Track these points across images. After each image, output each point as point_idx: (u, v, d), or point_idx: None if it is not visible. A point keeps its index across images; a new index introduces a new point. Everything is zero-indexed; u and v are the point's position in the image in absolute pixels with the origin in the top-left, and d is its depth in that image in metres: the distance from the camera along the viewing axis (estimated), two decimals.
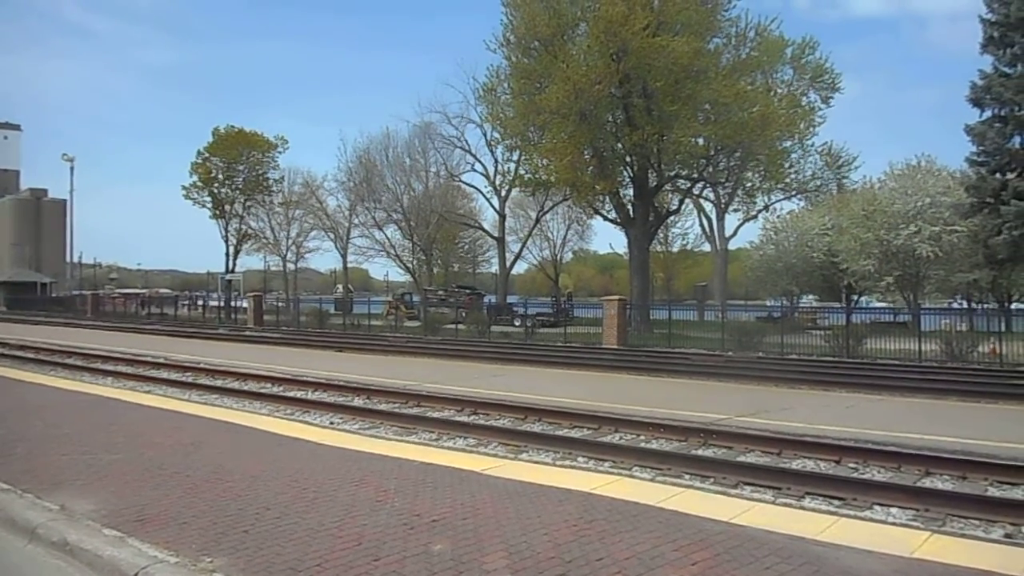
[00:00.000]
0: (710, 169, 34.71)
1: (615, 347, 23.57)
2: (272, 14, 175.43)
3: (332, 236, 56.56)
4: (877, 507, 6.25)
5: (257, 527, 4.54)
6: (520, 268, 63.90)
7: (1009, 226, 27.54)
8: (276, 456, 6.76)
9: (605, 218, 37.52)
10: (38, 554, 4.49)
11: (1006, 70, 29.07)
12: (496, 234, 51.73)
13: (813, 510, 5.58)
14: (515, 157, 41.87)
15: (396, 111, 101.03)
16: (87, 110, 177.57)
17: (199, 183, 50.04)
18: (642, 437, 9.19)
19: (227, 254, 52.01)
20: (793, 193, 41.40)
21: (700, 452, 8.41)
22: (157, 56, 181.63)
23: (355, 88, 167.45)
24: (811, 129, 36.80)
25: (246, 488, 5.47)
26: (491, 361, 18.95)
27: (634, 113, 31.10)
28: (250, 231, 53.60)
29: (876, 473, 7.47)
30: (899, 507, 6.20)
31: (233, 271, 52.95)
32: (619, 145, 32.64)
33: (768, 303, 46.28)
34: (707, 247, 53.03)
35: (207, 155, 50.15)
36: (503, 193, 48.72)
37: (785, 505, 5.61)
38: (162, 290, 73.59)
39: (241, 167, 50.65)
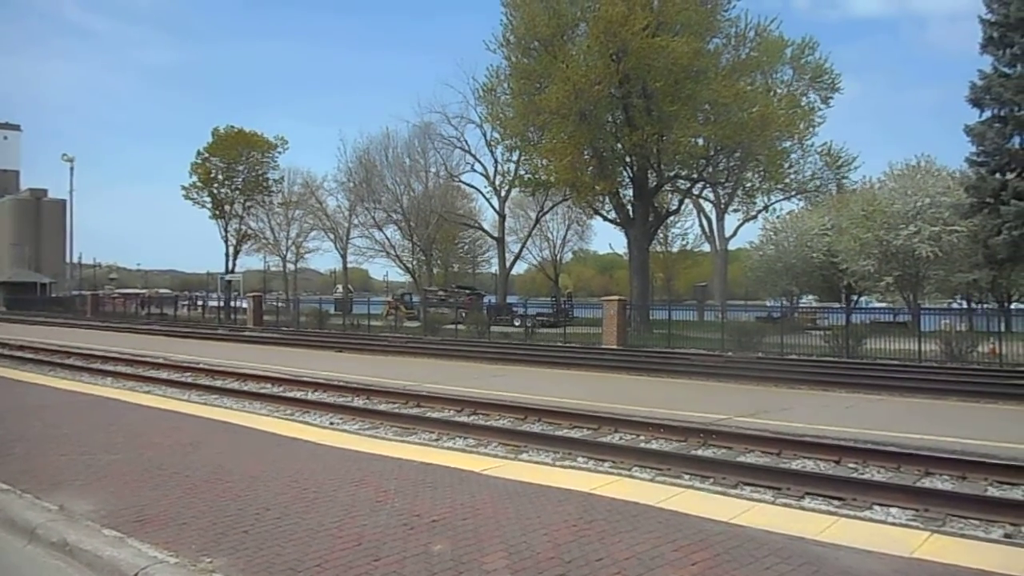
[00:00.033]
0: (710, 169, 34.72)
1: (615, 347, 23.57)
2: (272, 14, 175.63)
3: (332, 236, 56.63)
4: (877, 507, 6.25)
5: (257, 527, 4.54)
6: (520, 268, 64.00)
7: (1009, 226, 27.55)
8: (276, 456, 6.76)
9: (605, 218, 37.56)
10: (37, 554, 4.48)
11: (1006, 70, 29.09)
12: (496, 234, 51.74)
13: (813, 510, 5.58)
14: (515, 157, 41.92)
15: (396, 111, 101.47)
16: (87, 110, 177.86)
17: (199, 183, 50.03)
18: (642, 437, 9.19)
19: (227, 254, 52.06)
20: (793, 193, 41.41)
21: (700, 452, 8.41)
22: (157, 56, 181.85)
23: (355, 88, 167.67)
24: (811, 129, 36.85)
25: (246, 488, 5.47)
26: (491, 361, 18.95)
27: (634, 113, 31.10)
28: (250, 231, 53.62)
29: (876, 473, 7.47)
30: (899, 507, 6.20)
31: (233, 271, 52.95)
32: (619, 145, 32.63)
33: (768, 303, 46.33)
34: (707, 247, 53.09)
35: (207, 155, 50.14)
36: (503, 193, 48.75)
37: (785, 505, 5.61)
38: (162, 290, 73.58)
39: (241, 167, 50.63)
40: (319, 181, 56.03)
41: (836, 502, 6.37)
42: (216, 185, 50.43)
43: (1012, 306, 36.09)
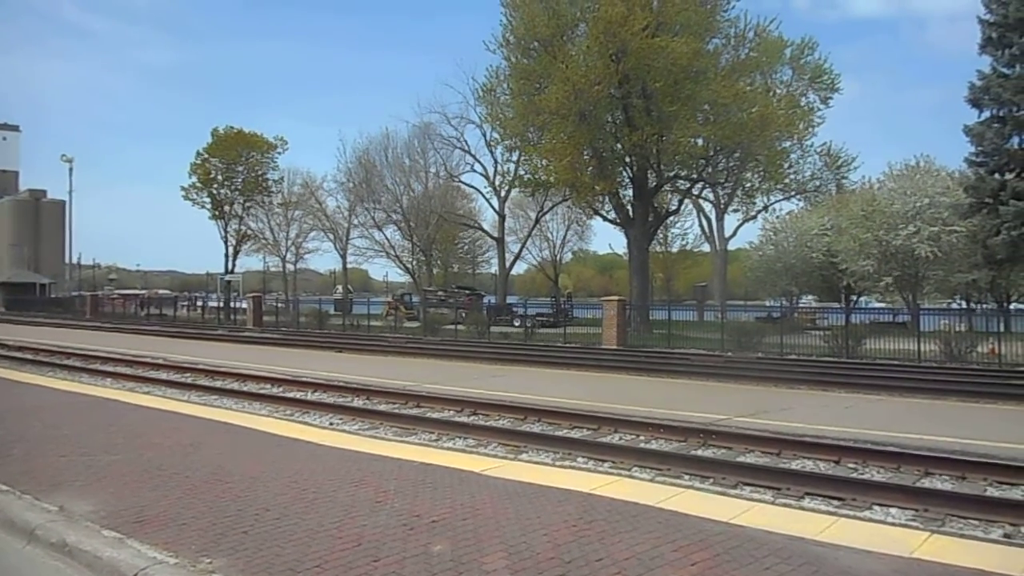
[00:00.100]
0: (709, 169, 34.72)
1: (614, 347, 23.57)
2: (272, 14, 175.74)
3: (331, 237, 56.61)
4: (876, 507, 6.25)
5: (256, 528, 4.54)
6: (520, 268, 64.01)
7: (1008, 226, 27.56)
8: (275, 457, 6.76)
9: (605, 218, 37.56)
10: (37, 555, 4.48)
11: (1004, 71, 29.09)
12: (496, 234, 51.75)
13: (812, 510, 5.58)
14: (515, 157, 41.93)
15: (395, 111, 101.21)
16: (86, 111, 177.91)
17: (198, 184, 50.02)
18: (642, 437, 9.19)
19: (226, 255, 52.05)
20: (792, 193, 41.41)
21: (700, 452, 8.42)
22: (156, 56, 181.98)
23: (355, 88, 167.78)
24: (810, 129, 36.85)
25: (245, 489, 5.47)
26: (490, 361, 18.95)
27: (633, 114, 31.11)
28: (249, 232, 53.61)
29: (875, 473, 7.47)
30: (898, 507, 6.20)
31: (232, 272, 52.93)
32: (618, 145, 32.64)
33: (767, 303, 46.33)
34: (706, 247, 53.09)
35: (206, 156, 50.13)
36: (503, 194, 48.75)
37: (784, 505, 5.62)
38: (161, 291, 73.60)
39: (240, 168, 50.62)
40: (319, 181, 56.11)
41: (836, 502, 6.38)
42: (216, 186, 50.42)
43: (1011, 306, 36.10)
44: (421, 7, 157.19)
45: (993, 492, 6.85)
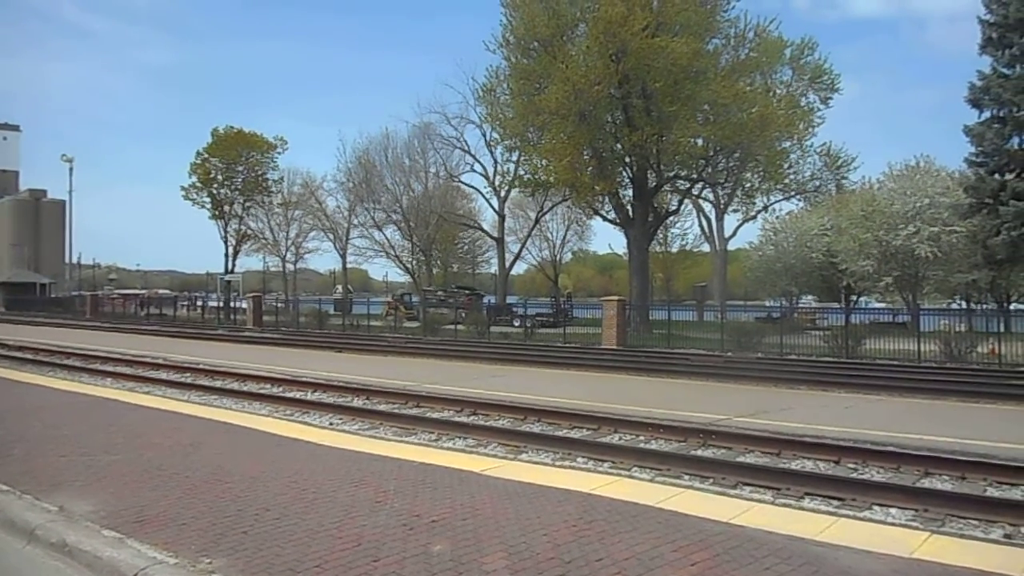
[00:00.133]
0: (709, 170, 34.72)
1: (614, 347, 23.57)
2: (272, 14, 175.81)
3: (331, 237, 56.61)
4: (876, 507, 6.26)
5: (256, 528, 4.54)
6: (519, 269, 63.99)
7: (1008, 227, 27.56)
8: (275, 457, 6.76)
9: (604, 219, 37.54)
10: (37, 555, 4.48)
11: (1005, 71, 29.10)
12: (495, 235, 51.74)
13: (812, 510, 5.58)
14: (514, 158, 41.90)
15: (395, 111, 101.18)
16: (86, 111, 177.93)
17: (198, 184, 50.01)
18: (641, 437, 9.19)
19: (226, 255, 52.05)
20: (792, 194, 41.40)
21: (699, 452, 8.42)
22: (156, 56, 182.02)
23: (354, 88, 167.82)
24: (810, 130, 36.82)
25: (245, 489, 5.47)
26: (490, 361, 18.95)
27: (633, 114, 31.10)
28: (249, 232, 53.61)
29: (875, 473, 7.47)
30: (898, 507, 6.20)
31: (232, 272, 52.93)
32: (618, 146, 32.63)
33: (767, 303, 46.36)
34: (706, 248, 53.07)
35: (206, 156, 50.11)
36: (502, 194, 48.74)
37: (784, 505, 5.62)
38: (161, 291, 73.58)
39: (240, 168, 50.61)
40: (319, 181, 56.11)
41: (836, 502, 6.38)
42: (216, 185, 50.42)
43: (1011, 306, 36.09)
44: (421, 7, 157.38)
45: (993, 492, 6.85)
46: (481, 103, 39.46)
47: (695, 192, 40.45)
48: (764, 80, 34.65)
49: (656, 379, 15.70)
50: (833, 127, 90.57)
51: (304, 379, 14.12)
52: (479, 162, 49.34)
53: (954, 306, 37.16)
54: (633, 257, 35.14)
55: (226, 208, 50.64)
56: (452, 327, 30.71)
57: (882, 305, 38.87)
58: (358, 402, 12.04)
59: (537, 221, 52.66)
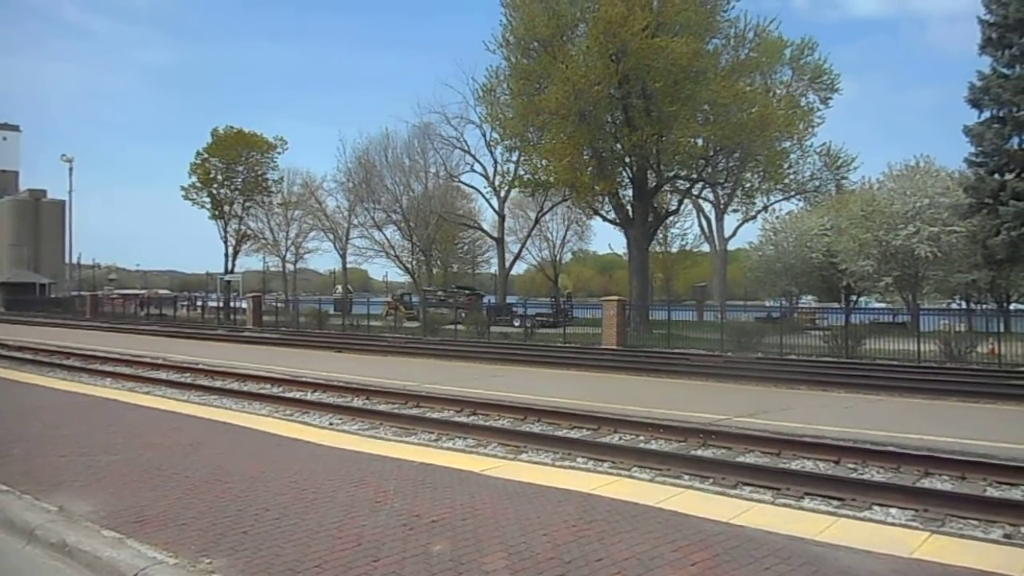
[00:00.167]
0: (709, 170, 34.72)
1: (614, 347, 23.57)
2: (271, 14, 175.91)
3: (331, 237, 56.61)
4: (876, 507, 6.26)
5: (256, 528, 4.54)
6: (519, 269, 63.99)
7: (1007, 227, 27.56)
8: (275, 457, 6.76)
9: (604, 219, 37.54)
10: (37, 555, 4.48)
11: (1004, 71, 29.09)
12: (495, 235, 51.74)
13: (812, 510, 5.58)
14: (514, 158, 41.90)
15: (395, 111, 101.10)
16: (86, 111, 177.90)
17: (198, 184, 50.00)
18: (641, 438, 9.19)
19: (226, 255, 52.05)
20: (792, 194, 41.40)
21: (699, 452, 8.42)
22: (156, 56, 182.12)
23: (354, 88, 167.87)
24: (810, 130, 36.81)
25: (245, 489, 5.47)
26: (490, 361, 18.95)
27: (633, 114, 31.10)
28: (249, 232, 53.61)
29: (875, 473, 7.48)
30: (898, 507, 6.20)
31: (232, 272, 52.93)
32: (618, 146, 32.63)
33: (767, 303, 46.33)
34: (706, 248, 53.07)
35: (206, 156, 50.11)
36: (502, 194, 48.72)
37: (784, 505, 5.62)
38: (161, 291, 73.65)
39: (240, 168, 50.60)
40: (318, 181, 56.11)
41: (835, 502, 6.38)
42: (215, 185, 50.41)
43: (1011, 306, 36.09)
44: (421, 7, 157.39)
45: (993, 492, 6.85)
46: (481, 103, 39.51)
47: (695, 192, 40.46)
48: (764, 80, 34.66)
49: (656, 379, 15.71)
50: (833, 127, 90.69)
51: (304, 379, 14.12)
52: (479, 162, 49.41)
53: (954, 306, 37.16)
54: (633, 257, 35.14)
55: (226, 208, 50.64)
56: (452, 327, 30.70)
57: (882, 305, 38.87)
58: (358, 402, 12.04)
59: (537, 221, 52.67)
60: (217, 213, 50.45)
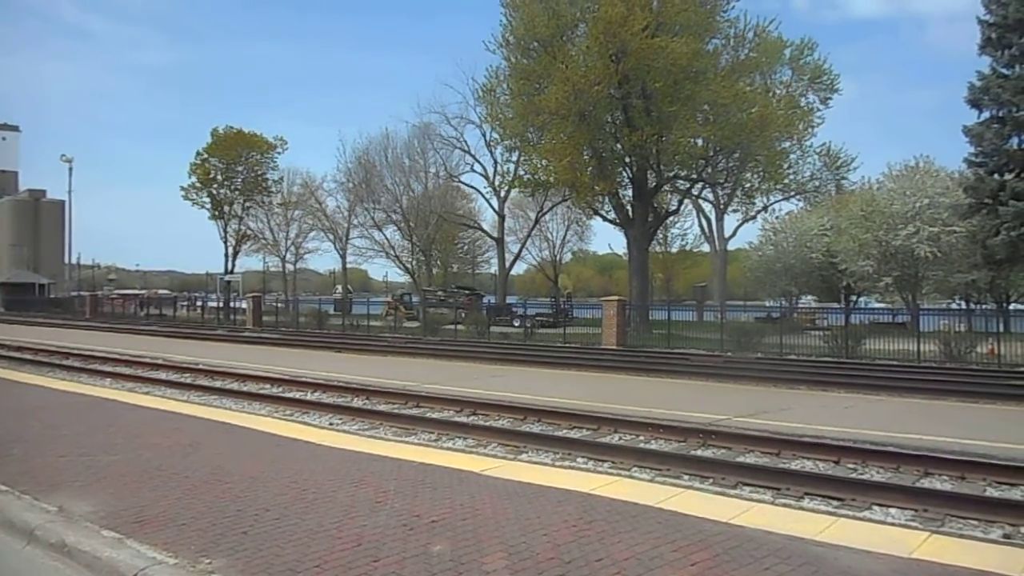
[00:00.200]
0: (709, 170, 34.74)
1: (614, 347, 23.57)
2: (271, 14, 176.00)
3: (331, 237, 56.58)
4: (876, 507, 6.26)
5: (256, 528, 4.53)
6: (519, 269, 63.97)
7: (1007, 227, 27.57)
8: (275, 457, 6.76)
9: (604, 219, 37.55)
10: (36, 555, 4.48)
11: (1004, 71, 29.10)
12: (495, 235, 51.74)
13: (812, 510, 5.58)
14: (514, 158, 41.92)
15: (395, 112, 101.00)
16: (85, 111, 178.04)
17: (198, 184, 50.03)
18: (641, 438, 9.19)
19: (226, 255, 52.08)
20: (792, 194, 41.45)
21: (699, 453, 8.42)
22: (155, 57, 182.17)
23: (354, 88, 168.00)
24: (810, 130, 36.87)
25: (245, 489, 5.47)
26: (490, 362, 18.95)
27: (633, 114, 31.11)
28: (249, 232, 53.62)
29: (875, 473, 7.47)
30: (898, 507, 6.20)
31: (232, 272, 52.94)
32: (618, 146, 32.64)
33: (767, 304, 46.34)
34: (706, 248, 53.09)
35: (206, 156, 50.13)
36: (502, 194, 48.72)
37: (784, 505, 5.62)
38: (161, 291, 73.68)
39: (240, 168, 50.64)
40: (318, 181, 56.07)
41: (835, 502, 6.38)
42: (215, 186, 50.44)
43: (1010, 307, 36.09)
44: (421, 7, 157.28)
45: (992, 492, 6.85)
46: (481, 103, 39.51)
47: (695, 192, 40.49)
48: (764, 80, 34.70)
49: (656, 379, 15.70)
50: (833, 127, 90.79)
51: (304, 379, 14.11)
52: (479, 162, 49.41)
53: (954, 306, 37.16)
54: (633, 257, 35.14)
55: (226, 208, 50.66)
56: (452, 327, 30.70)
57: (882, 305, 38.87)
58: (358, 402, 12.03)
59: (537, 221, 52.67)
60: (217, 213, 50.47)
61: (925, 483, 7.11)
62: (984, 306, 35.29)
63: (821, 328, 25.47)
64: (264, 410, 10.74)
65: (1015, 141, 29.00)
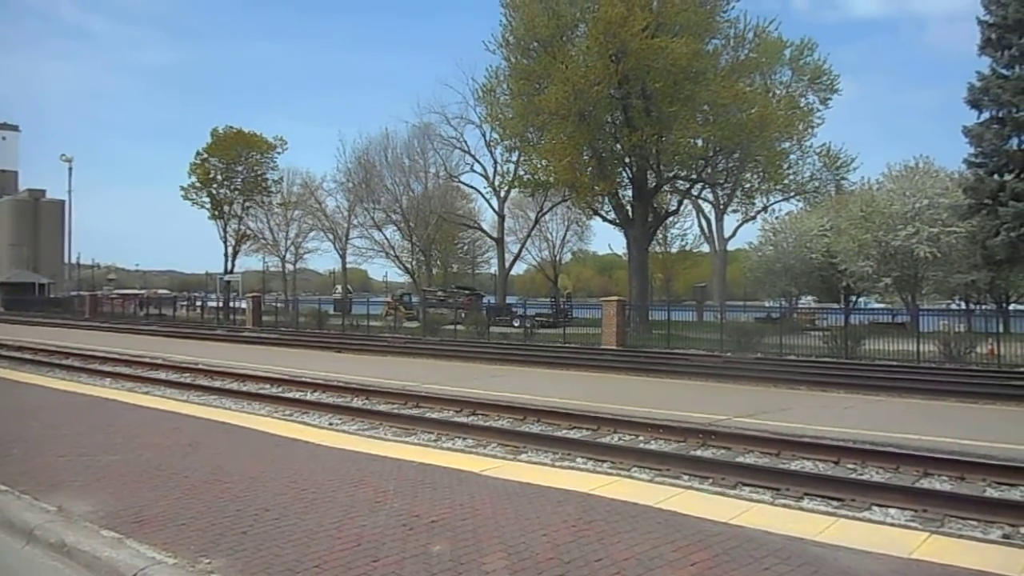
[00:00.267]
0: (709, 170, 34.73)
1: (614, 348, 23.57)
2: (271, 14, 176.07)
3: (331, 237, 56.55)
4: (875, 508, 6.26)
5: (256, 528, 4.53)
6: (519, 269, 63.95)
7: (1007, 227, 27.57)
8: (275, 457, 6.76)
9: (604, 219, 37.53)
10: (36, 555, 4.48)
11: (1004, 72, 29.10)
12: (495, 235, 51.73)
13: (812, 511, 5.58)
14: (514, 158, 41.93)
15: (395, 112, 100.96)
16: (85, 111, 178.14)
17: (198, 184, 50.01)
18: (641, 438, 9.19)
19: (226, 255, 52.06)
20: (792, 194, 41.40)
21: (699, 453, 8.42)
22: (155, 57, 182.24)
23: (354, 88, 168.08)
24: (809, 130, 36.85)
25: (244, 489, 5.47)
26: (490, 362, 18.95)
27: (633, 114, 31.11)
28: (249, 232, 53.60)
29: (874, 474, 7.48)
30: (897, 508, 6.21)
31: (232, 272, 52.92)
32: (618, 146, 32.63)
33: (767, 304, 46.35)
34: (706, 248, 53.08)
35: (206, 156, 50.11)
36: (502, 194, 48.71)
37: (784, 506, 5.62)
38: (161, 291, 73.67)
39: (240, 168, 50.62)
40: (318, 181, 56.04)
41: (835, 503, 6.38)
42: (215, 186, 50.42)
43: (1010, 307, 36.09)
44: (421, 7, 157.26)
45: (992, 493, 6.85)
46: (481, 103, 39.51)
47: (695, 192, 40.46)
48: (764, 80, 34.70)
49: (656, 379, 15.70)
50: (833, 127, 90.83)
51: (303, 379, 14.11)
52: (479, 162, 49.40)
53: (953, 307, 37.15)
54: (633, 257, 35.13)
55: (226, 208, 50.64)
56: (452, 327, 30.69)
57: (881, 305, 38.88)
58: (357, 402, 12.03)
59: (537, 221, 52.66)
60: (217, 213, 50.45)
61: (925, 483, 7.11)
62: (984, 307, 35.29)
63: (821, 328, 25.47)
64: (264, 410, 10.73)
65: (1015, 142, 29.01)
